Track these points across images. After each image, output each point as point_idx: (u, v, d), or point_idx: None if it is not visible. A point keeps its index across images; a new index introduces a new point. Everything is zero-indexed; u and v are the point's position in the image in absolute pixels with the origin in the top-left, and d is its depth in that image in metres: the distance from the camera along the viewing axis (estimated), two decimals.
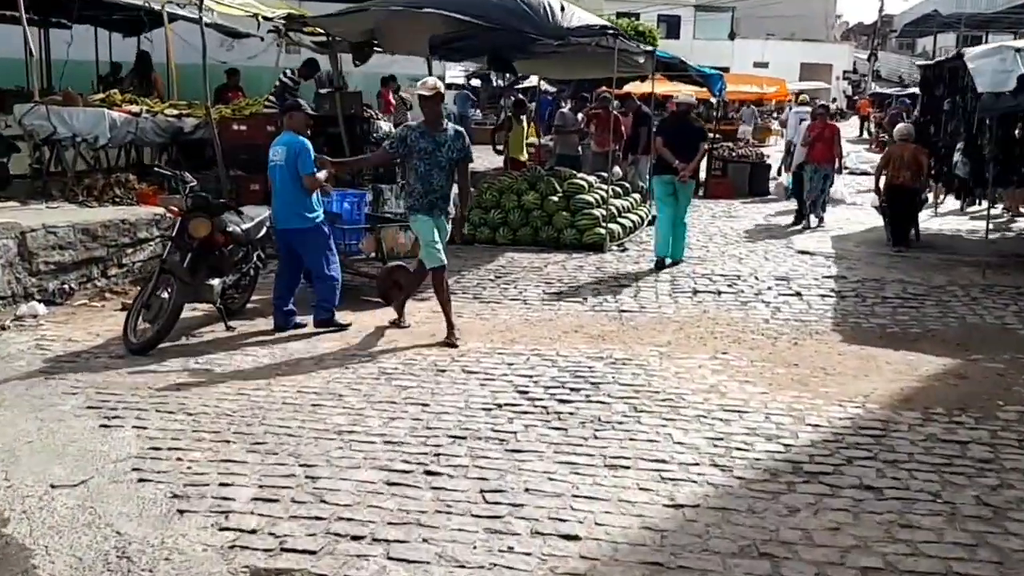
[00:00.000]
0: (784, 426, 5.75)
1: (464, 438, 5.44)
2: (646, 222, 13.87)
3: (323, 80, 14.78)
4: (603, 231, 11.94)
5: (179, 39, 17.76)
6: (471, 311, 8.75)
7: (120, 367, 6.75)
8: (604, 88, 18.04)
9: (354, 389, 6.33)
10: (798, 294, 9.65)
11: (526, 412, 5.91)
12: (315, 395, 6.18)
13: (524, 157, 15.03)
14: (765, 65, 49.59)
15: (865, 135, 40.27)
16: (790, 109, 36.82)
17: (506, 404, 6.05)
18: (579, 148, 15.95)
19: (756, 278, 10.37)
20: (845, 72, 62.37)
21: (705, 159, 18.12)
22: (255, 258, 8.43)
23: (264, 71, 17.76)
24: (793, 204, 15.39)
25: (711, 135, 18.10)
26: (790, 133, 21.78)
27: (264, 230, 8.28)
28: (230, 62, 19.15)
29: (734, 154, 19.03)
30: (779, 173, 20.04)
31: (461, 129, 7.84)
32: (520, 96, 16.20)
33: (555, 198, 12.24)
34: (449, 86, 32.92)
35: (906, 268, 10.97)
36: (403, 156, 7.67)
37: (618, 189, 13.74)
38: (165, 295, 7.29)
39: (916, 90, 36.52)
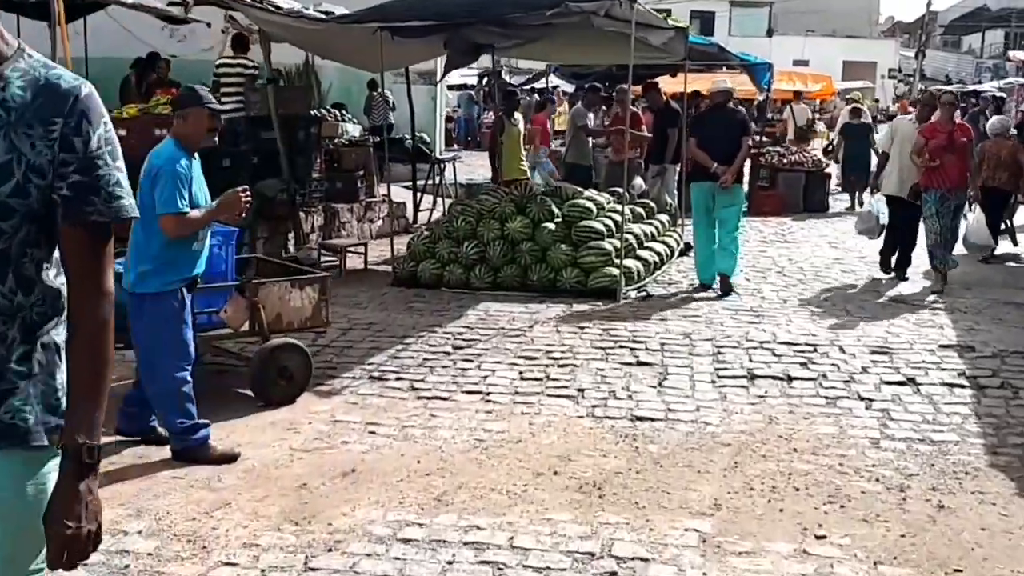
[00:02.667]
0: None
1: None
2: (677, 252, 10.55)
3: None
4: (616, 272, 8.63)
5: (120, 29, 15.16)
6: (394, 419, 5.47)
7: None
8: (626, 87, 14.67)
9: None
10: (910, 381, 6.28)
11: None
12: None
13: (523, 172, 11.57)
14: (805, 63, 46.38)
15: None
16: (836, 109, 33.23)
17: None
18: (593, 156, 12.62)
19: (841, 349, 7.01)
20: (891, 70, 58.76)
21: (749, 163, 14.79)
22: None
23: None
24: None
25: (756, 135, 14.73)
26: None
27: None
28: (180, 55, 16.20)
29: (784, 161, 15.63)
30: (844, 191, 16.35)
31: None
32: (512, 86, 12.66)
33: (551, 226, 8.95)
34: (451, 87, 29.71)
35: None
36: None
37: (639, 210, 10.41)
38: None
39: (974, 87, 33.00)
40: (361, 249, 10.31)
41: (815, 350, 6.98)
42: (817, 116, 31.31)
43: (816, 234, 13.04)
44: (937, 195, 8.94)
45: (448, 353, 6.82)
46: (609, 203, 9.90)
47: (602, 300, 8.45)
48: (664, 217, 10.88)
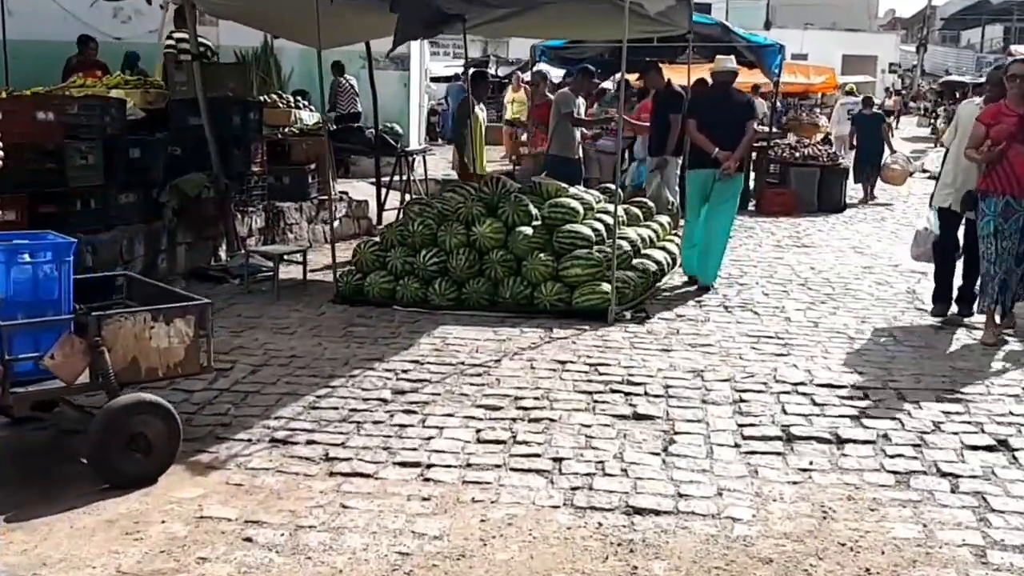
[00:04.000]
0: None
1: None
2: (680, 260, 8.91)
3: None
4: (606, 288, 6.98)
5: (61, 11, 13.86)
6: (287, 514, 3.81)
7: None
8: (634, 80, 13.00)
9: None
10: (1002, 445, 4.65)
11: None
12: None
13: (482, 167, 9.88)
14: (804, 57, 44.84)
15: (921, 131, 35.12)
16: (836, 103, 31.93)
17: None
18: (580, 148, 10.92)
19: (899, 394, 5.38)
20: (891, 65, 57.35)
21: (755, 155, 13.18)
22: None
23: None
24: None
25: (762, 126, 13.13)
26: (840, 128, 17.21)
27: None
28: (127, 37, 14.69)
29: (796, 155, 14.00)
30: (857, 181, 14.96)
31: None
32: (479, 67, 10.81)
33: (528, 230, 7.30)
34: (437, 79, 28.13)
35: None
36: None
37: (635, 211, 8.76)
38: None
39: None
40: (307, 255, 8.61)
41: (866, 396, 5.34)
42: (818, 110, 29.86)
43: (836, 237, 11.40)
44: (1000, 203, 6.49)
45: (385, 401, 5.16)
46: (599, 202, 8.25)
47: (590, 323, 6.81)
48: (664, 219, 9.22)
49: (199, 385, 5.33)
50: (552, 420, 4.89)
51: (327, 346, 6.20)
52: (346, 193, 11.43)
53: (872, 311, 7.48)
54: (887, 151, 15.56)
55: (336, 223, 10.88)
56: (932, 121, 35.74)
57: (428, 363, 5.83)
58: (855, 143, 15.77)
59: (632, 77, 17.66)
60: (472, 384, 5.44)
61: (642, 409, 5.05)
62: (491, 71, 27.29)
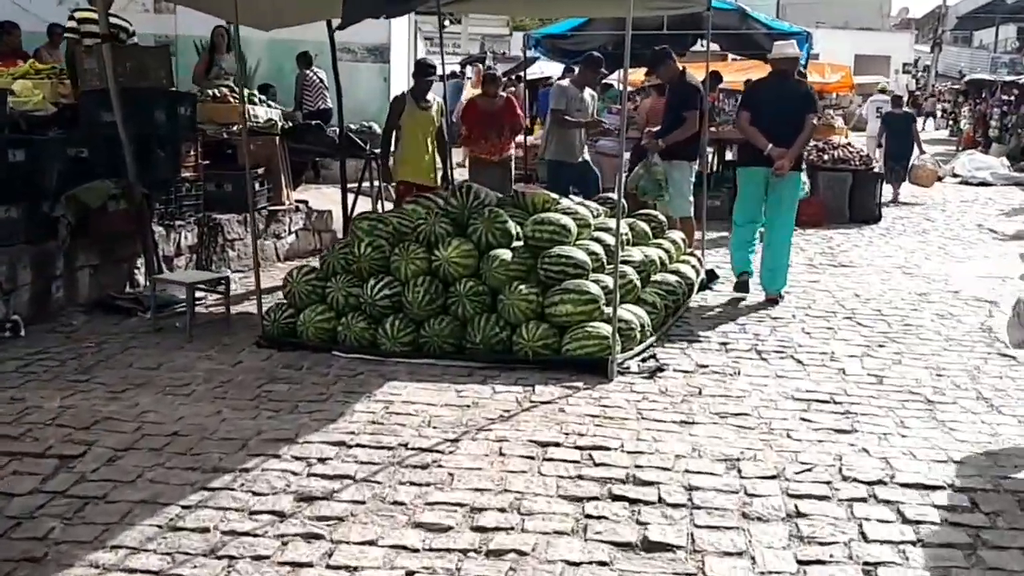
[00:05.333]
0: None
1: None
2: (697, 285, 7.31)
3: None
4: (606, 331, 5.35)
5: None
6: None
7: None
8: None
9: None
10: None
11: None
12: None
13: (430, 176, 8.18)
14: (815, 57, 43.33)
15: (938, 134, 33.51)
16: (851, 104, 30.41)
17: None
18: (585, 149, 9.25)
19: (1022, 503, 3.75)
20: (905, 65, 55.80)
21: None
22: None
23: None
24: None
25: None
26: (869, 127, 16.35)
27: None
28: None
29: (825, 157, 12.34)
30: (887, 182, 13.42)
31: None
32: (425, 59, 8.88)
33: (506, 254, 5.68)
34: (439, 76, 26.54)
35: None
36: None
37: (642, 225, 7.14)
38: None
39: (1014, 78, 29.70)
40: (230, 284, 7.02)
41: (975, 506, 3.71)
42: (832, 112, 28.23)
43: (877, 254, 9.76)
44: None
45: (281, 516, 3.54)
46: (598, 216, 6.64)
47: (584, 377, 5.20)
48: (678, 235, 7.59)
49: (27, 484, 3.74)
50: (522, 553, 3.28)
51: (227, 416, 4.58)
52: (305, 202, 9.84)
53: (945, 358, 5.85)
54: (915, 151, 14.91)
55: (291, 237, 9.32)
56: (952, 123, 34.13)
57: (358, 446, 4.21)
58: (882, 143, 14.78)
59: (639, 75, 16.12)
60: (413, 484, 3.82)
61: (655, 532, 3.43)
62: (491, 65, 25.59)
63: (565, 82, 9.82)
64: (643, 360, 5.59)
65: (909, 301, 7.49)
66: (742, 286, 7.50)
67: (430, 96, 8.07)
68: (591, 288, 5.52)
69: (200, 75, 10.95)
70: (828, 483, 3.88)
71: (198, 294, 6.80)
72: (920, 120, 25.73)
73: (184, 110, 8.00)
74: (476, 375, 5.28)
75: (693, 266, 7.42)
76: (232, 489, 3.76)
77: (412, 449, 4.17)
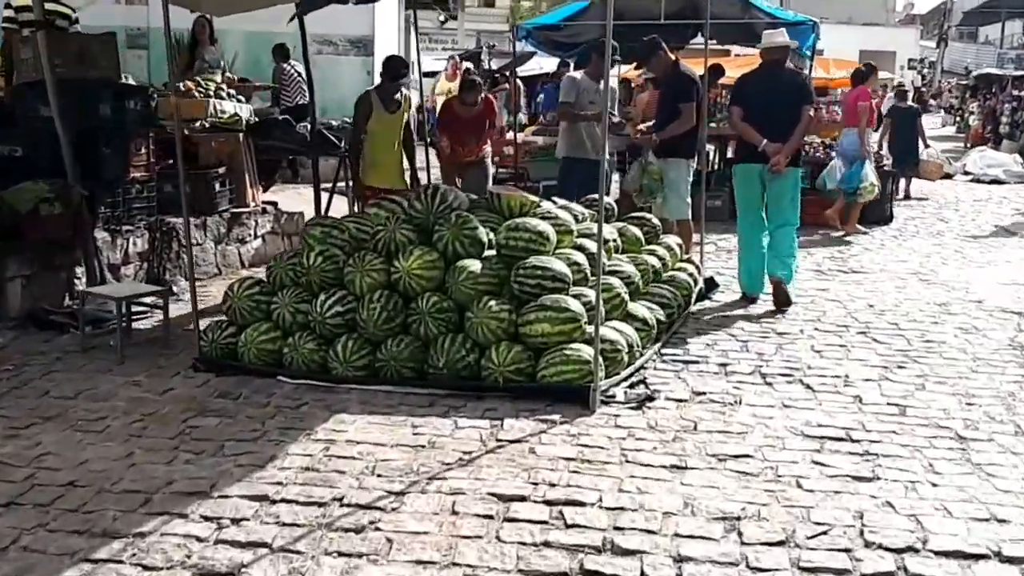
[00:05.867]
0: None
1: None
2: (695, 296, 6.64)
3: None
4: (587, 354, 4.65)
5: None
6: None
7: None
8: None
9: None
10: None
11: None
12: None
13: (402, 181, 7.43)
14: (820, 52, 42.58)
15: (945, 131, 32.72)
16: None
17: None
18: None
19: None
20: (910, 61, 55.03)
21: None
22: None
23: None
24: None
25: None
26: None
27: None
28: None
29: (832, 154, 11.61)
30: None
31: None
32: (397, 57, 8.00)
33: (475, 265, 4.99)
34: (430, 74, 26.01)
35: None
36: None
37: (633, 230, 6.44)
38: None
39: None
40: (208, 293, 6.30)
41: None
42: (836, 109, 27.48)
43: (891, 258, 9.06)
44: None
45: None
46: (583, 220, 5.96)
47: (562, 408, 4.51)
48: (674, 240, 6.91)
49: None
50: None
51: (138, 460, 3.90)
52: (274, 204, 9.16)
53: (974, 381, 5.16)
54: (921, 146, 14.47)
55: (257, 242, 8.63)
56: (959, 119, 33.35)
57: (283, 500, 3.53)
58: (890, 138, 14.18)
59: (633, 74, 15.35)
60: (341, 555, 3.13)
61: None
62: (486, 63, 24.93)
63: (578, 74, 9.06)
64: (631, 387, 4.90)
65: (928, 313, 6.79)
66: (749, 300, 6.95)
67: (399, 95, 7.34)
68: (571, 305, 4.83)
69: (183, 70, 10.31)
70: (847, 551, 3.19)
71: (145, 307, 6.13)
72: (925, 117, 25.07)
73: (134, 104, 7.32)
74: (438, 405, 4.59)
75: (690, 274, 6.72)
76: (119, 561, 3.08)
77: (347, 506, 3.48)
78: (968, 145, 24.22)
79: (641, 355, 5.22)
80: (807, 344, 5.86)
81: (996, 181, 16.80)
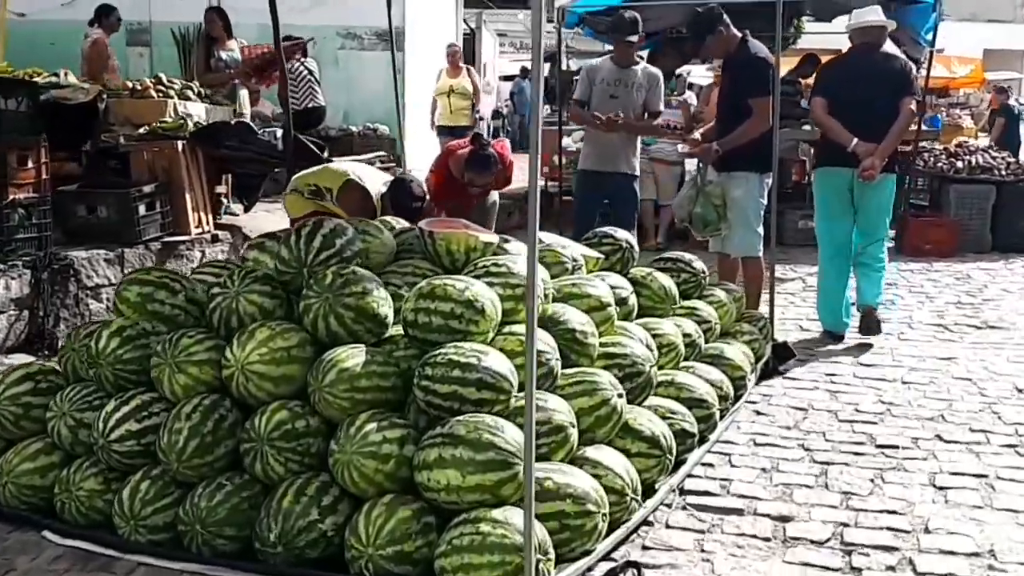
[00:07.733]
0: None
1: None
2: (755, 377, 4.49)
3: None
4: (518, 537, 2.57)
5: None
6: None
7: None
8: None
9: None
10: None
11: None
12: None
13: None
14: (940, 52, 39.46)
15: None
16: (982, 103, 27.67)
17: None
18: (629, 158, 6.33)
19: None
20: None
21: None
22: None
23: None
24: None
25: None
26: None
27: None
28: (32, 14, 11.38)
29: (957, 164, 9.23)
30: None
31: None
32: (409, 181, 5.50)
33: (355, 359, 2.96)
34: (508, 77, 24.69)
35: None
36: None
37: (662, 281, 4.32)
38: None
39: None
40: None
41: None
42: (958, 111, 24.69)
43: None
44: None
45: None
46: (577, 268, 3.91)
47: None
48: (723, 294, 4.75)
49: None
50: None
51: None
52: (238, 229, 7.34)
53: None
54: None
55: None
56: None
57: None
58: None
59: (701, 71, 12.96)
60: None
61: None
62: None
63: (597, 60, 6.96)
64: (613, 572, 2.81)
65: None
66: (833, 338, 5.70)
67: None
68: (503, 435, 2.77)
69: (201, 71, 8.91)
70: None
71: None
72: None
73: (17, 104, 5.59)
74: None
75: (750, 343, 4.60)
76: None
77: None
78: None
79: (640, 505, 3.13)
80: (919, 468, 3.67)
81: None
